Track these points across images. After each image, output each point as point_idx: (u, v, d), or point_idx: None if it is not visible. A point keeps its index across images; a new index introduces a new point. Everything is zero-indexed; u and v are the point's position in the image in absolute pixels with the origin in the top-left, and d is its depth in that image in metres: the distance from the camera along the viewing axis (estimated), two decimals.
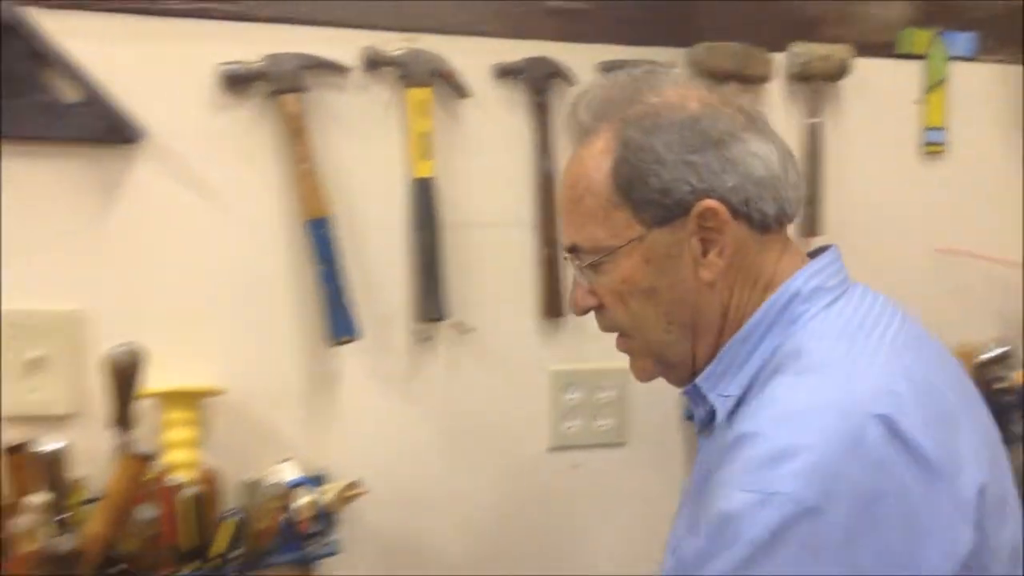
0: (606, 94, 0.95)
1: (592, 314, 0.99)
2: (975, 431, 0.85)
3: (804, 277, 0.91)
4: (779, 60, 1.47)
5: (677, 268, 0.91)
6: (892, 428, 0.78)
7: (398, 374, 1.36)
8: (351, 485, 1.27)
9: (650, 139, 0.90)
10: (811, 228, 1.48)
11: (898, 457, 0.77)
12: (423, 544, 1.39)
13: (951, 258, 1.57)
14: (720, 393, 0.91)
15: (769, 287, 0.92)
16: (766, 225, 0.91)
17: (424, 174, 1.33)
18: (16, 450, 1.10)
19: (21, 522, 1.06)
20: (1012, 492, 0.86)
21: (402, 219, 1.34)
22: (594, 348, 1.42)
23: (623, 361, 1.01)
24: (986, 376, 1.49)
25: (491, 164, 1.38)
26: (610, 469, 1.44)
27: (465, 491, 1.40)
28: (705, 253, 0.90)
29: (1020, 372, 1.52)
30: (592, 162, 0.93)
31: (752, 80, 1.45)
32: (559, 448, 1.43)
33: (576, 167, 0.95)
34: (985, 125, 1.58)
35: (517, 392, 1.41)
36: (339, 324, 1.29)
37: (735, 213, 0.89)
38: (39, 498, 1.09)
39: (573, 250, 0.96)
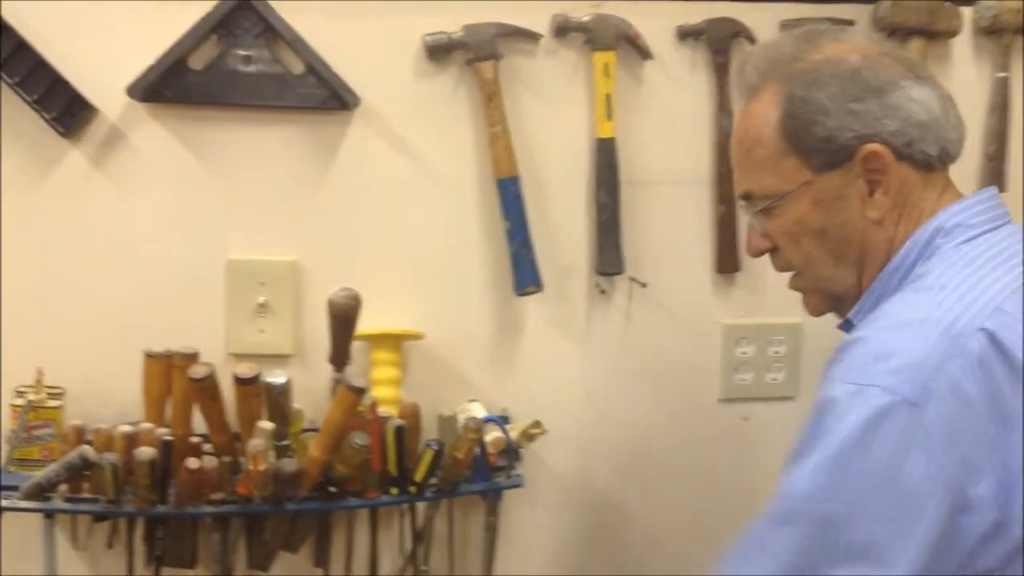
0: (770, 54, 1.03)
1: (767, 266, 1.07)
2: None
3: (948, 214, 0.97)
4: (967, 14, 1.45)
5: (845, 208, 0.98)
6: (994, 340, 0.84)
7: (577, 324, 1.44)
8: (535, 424, 1.37)
9: (813, 92, 0.97)
10: (995, 183, 1.46)
11: (996, 362, 0.83)
12: (595, 483, 1.47)
13: None
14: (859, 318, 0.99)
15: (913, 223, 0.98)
16: (929, 165, 0.97)
17: (607, 134, 1.40)
18: (248, 382, 1.24)
19: (254, 444, 1.21)
20: None
21: (585, 178, 1.42)
22: (766, 303, 1.46)
23: (795, 316, 1.07)
24: None
25: (671, 124, 1.43)
26: (780, 422, 1.47)
27: (637, 437, 1.47)
28: (871, 193, 0.97)
29: None
30: (760, 116, 1.00)
31: (939, 35, 1.43)
32: (730, 400, 1.48)
33: (745, 122, 1.03)
34: None
35: (690, 344, 1.46)
36: (524, 276, 1.38)
37: (898, 155, 0.96)
38: (268, 425, 1.24)
39: (747, 197, 1.04)
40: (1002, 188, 1.46)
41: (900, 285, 0.96)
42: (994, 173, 1.46)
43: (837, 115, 0.96)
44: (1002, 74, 1.45)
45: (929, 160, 0.97)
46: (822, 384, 0.90)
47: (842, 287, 1.02)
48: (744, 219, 1.06)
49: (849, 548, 0.83)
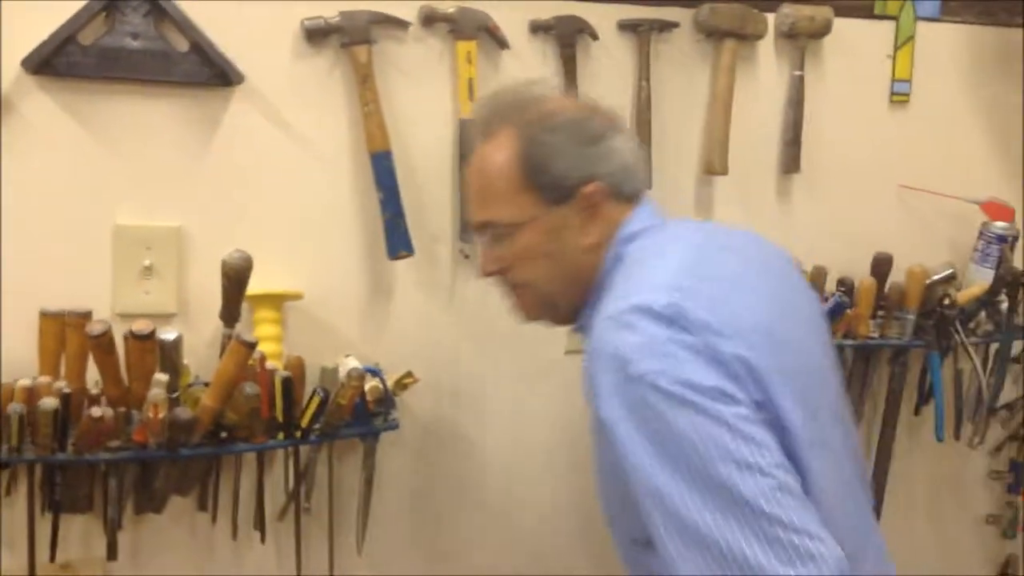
0: (502, 101, 1.21)
1: None
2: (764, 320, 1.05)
3: (626, 227, 1.16)
4: (771, 20, 1.70)
5: (568, 237, 1.16)
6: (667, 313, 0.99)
7: (442, 285, 1.60)
8: (407, 374, 1.53)
9: (548, 136, 1.15)
10: (790, 166, 1.73)
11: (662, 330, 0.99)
12: (458, 427, 1.64)
13: (912, 193, 1.82)
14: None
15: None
16: (629, 199, 1.18)
17: (470, 115, 1.56)
18: (144, 337, 1.33)
19: (153, 394, 1.31)
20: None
21: (450, 153, 1.57)
22: None
23: None
24: (936, 294, 1.76)
25: None
26: None
27: (495, 385, 1.65)
28: (588, 223, 1.15)
29: (963, 292, 1.79)
30: (500, 155, 1.16)
31: (748, 37, 1.68)
32: (574, 352, 1.67)
33: (483, 160, 1.19)
34: (946, 79, 1.82)
35: None
36: (396, 242, 1.53)
37: (610, 192, 1.16)
38: (163, 376, 1.34)
39: (485, 226, 1.20)
40: (796, 170, 1.74)
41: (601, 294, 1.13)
42: (791, 157, 1.73)
43: (568, 157, 1.14)
44: (798, 72, 1.72)
45: (629, 195, 1.17)
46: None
47: (564, 301, 1.19)
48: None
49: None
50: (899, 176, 1.82)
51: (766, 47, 1.72)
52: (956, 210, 1.84)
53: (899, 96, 1.81)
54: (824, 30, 1.71)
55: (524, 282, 1.20)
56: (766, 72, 1.73)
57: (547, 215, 1.16)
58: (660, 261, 1.09)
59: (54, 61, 1.35)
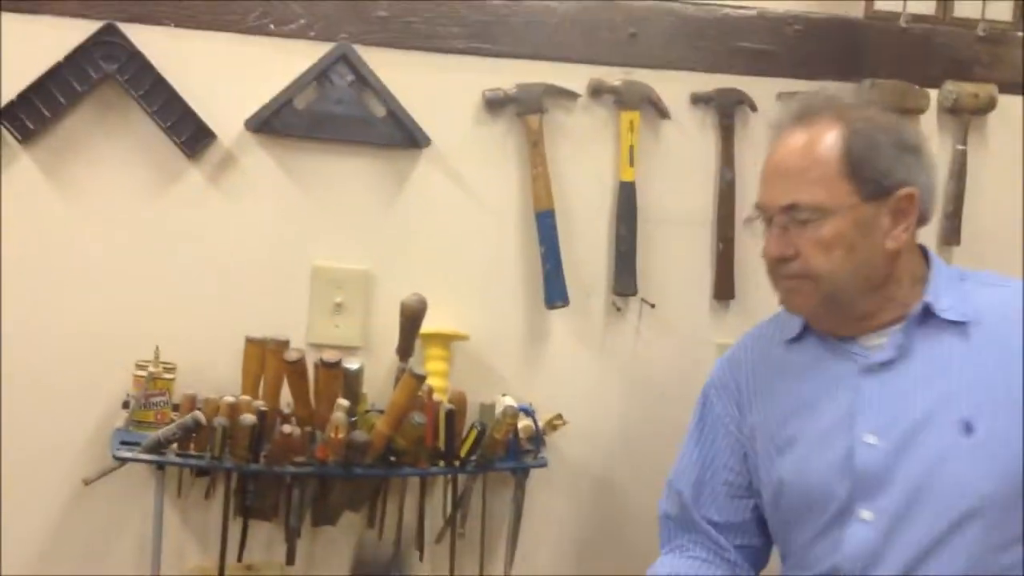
0: (822, 97, 1.27)
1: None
2: None
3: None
4: (934, 95, 1.73)
5: (872, 235, 1.20)
6: None
7: (595, 335, 1.71)
8: (558, 416, 1.64)
9: (874, 135, 1.20)
10: (950, 238, 1.75)
11: None
12: (603, 471, 1.74)
13: None
14: (945, 308, 1.22)
15: (921, 255, 1.27)
16: (924, 220, 1.24)
17: (629, 179, 1.68)
18: (331, 365, 1.51)
19: (336, 417, 1.48)
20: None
21: (609, 214, 1.69)
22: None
23: None
24: None
25: (683, 173, 1.72)
26: None
27: (640, 434, 1.73)
28: (894, 227, 1.21)
29: None
30: (824, 141, 1.20)
31: (910, 111, 1.72)
32: None
33: (804, 141, 1.22)
34: None
35: (688, 358, 1.72)
36: (553, 292, 1.65)
37: (920, 203, 1.22)
38: (345, 402, 1.51)
39: (792, 207, 1.21)
40: (957, 242, 1.75)
41: (964, 283, 1.25)
42: (951, 229, 1.75)
43: (890, 158, 1.19)
44: (961, 147, 1.74)
45: (925, 216, 1.24)
46: None
47: (847, 295, 1.22)
48: (769, 228, 1.27)
49: None
50: None
51: (929, 121, 1.75)
52: None
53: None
54: (988, 106, 1.73)
55: (814, 272, 1.21)
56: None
57: (859, 208, 1.19)
58: None
59: (272, 122, 1.57)
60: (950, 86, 1.72)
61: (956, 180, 1.74)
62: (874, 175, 1.19)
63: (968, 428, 1.18)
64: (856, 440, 1.22)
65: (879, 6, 1.70)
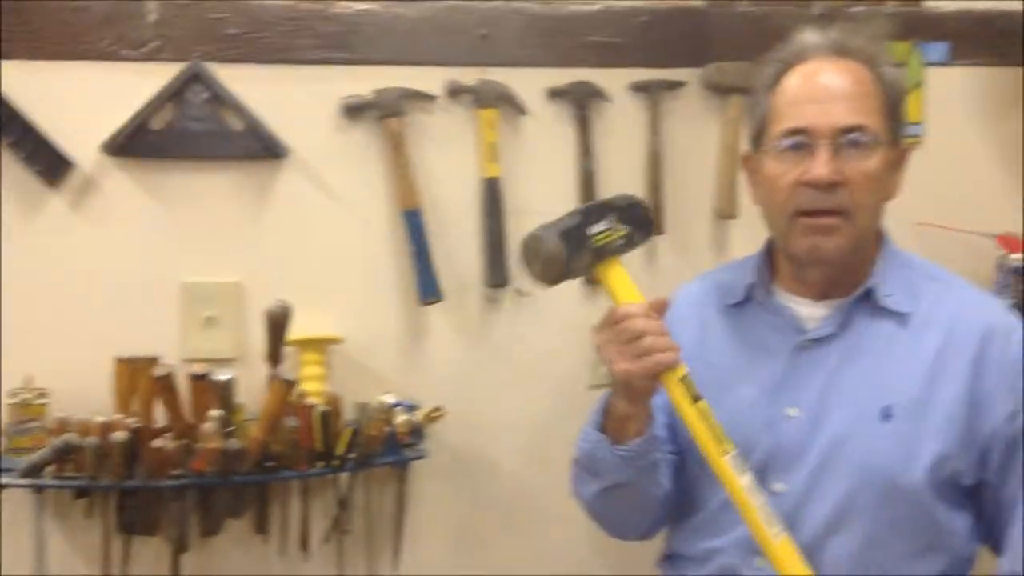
0: (855, 38, 1.24)
1: None
2: None
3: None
4: None
5: (890, 180, 1.22)
6: None
7: (472, 327, 1.75)
8: (435, 409, 1.68)
9: (901, 82, 1.23)
10: None
11: None
12: (488, 457, 1.77)
13: (930, 230, 1.87)
14: (888, 294, 1.23)
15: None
16: None
17: (492, 175, 1.72)
18: (200, 378, 1.54)
19: (207, 427, 1.51)
20: None
21: (475, 209, 1.74)
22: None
23: None
24: None
25: (545, 166, 1.76)
26: None
27: (522, 418, 1.77)
28: (896, 176, 1.24)
29: None
30: (866, 76, 1.19)
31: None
32: (597, 387, 1.77)
33: (853, 72, 1.20)
34: (957, 119, 1.87)
35: (565, 343, 1.76)
36: (426, 289, 1.70)
37: None
38: (217, 412, 1.54)
39: (857, 129, 1.17)
40: None
41: (912, 272, 1.26)
42: None
43: (905, 110, 1.28)
44: None
45: None
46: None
47: (866, 240, 1.21)
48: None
49: None
50: (916, 214, 1.86)
51: None
52: (975, 244, 1.87)
53: (912, 138, 1.87)
54: None
55: (856, 205, 1.18)
56: None
57: (890, 149, 1.20)
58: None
59: (130, 144, 1.59)
60: None
61: None
62: (900, 121, 1.22)
63: (886, 415, 1.18)
64: (778, 412, 1.23)
65: None
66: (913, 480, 1.17)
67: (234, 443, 1.53)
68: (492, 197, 1.73)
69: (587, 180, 1.77)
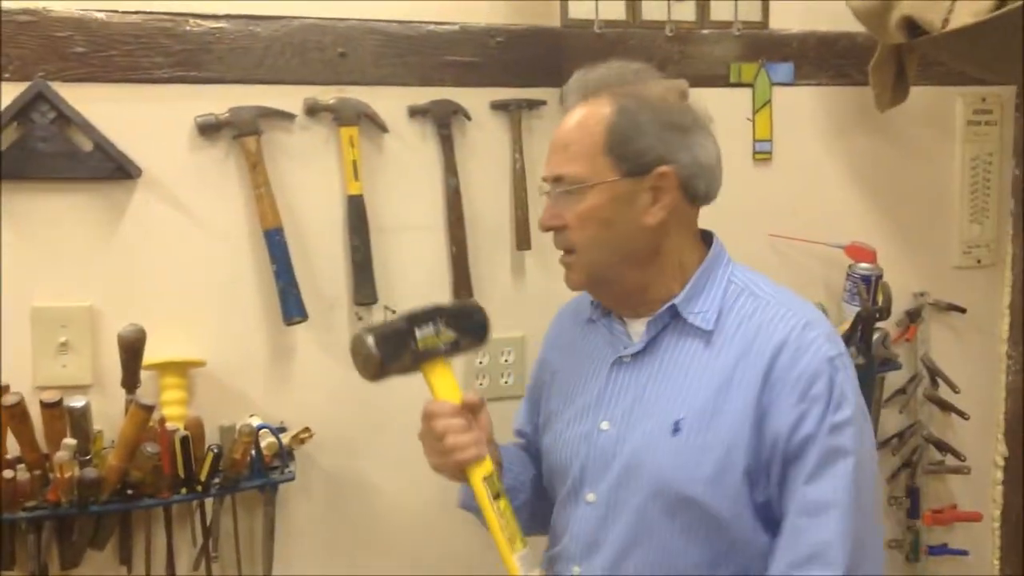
0: (609, 72, 1.29)
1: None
2: None
3: (716, 242, 1.34)
4: None
5: (631, 211, 1.24)
6: None
7: (340, 346, 1.73)
8: (304, 430, 1.68)
9: (639, 112, 1.24)
10: None
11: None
12: (358, 477, 1.78)
13: (783, 242, 1.97)
14: (695, 311, 1.27)
15: (699, 241, 1.32)
16: (695, 198, 1.29)
17: (355, 192, 1.73)
18: (52, 405, 1.50)
19: (59, 456, 1.46)
20: None
21: (340, 227, 1.74)
22: (496, 323, 1.81)
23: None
24: None
25: (409, 182, 1.78)
26: (511, 417, 1.82)
27: (394, 436, 1.77)
28: (653, 204, 1.25)
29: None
30: (593, 117, 1.24)
31: None
32: None
33: (578, 117, 1.27)
34: (804, 136, 1.99)
35: None
36: (290, 309, 1.68)
37: (681, 182, 1.26)
38: (71, 440, 1.50)
39: (557, 179, 1.27)
40: None
41: (712, 285, 1.28)
42: None
43: (650, 136, 1.23)
44: None
45: (697, 194, 1.28)
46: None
47: (608, 272, 1.27)
48: (543, 201, 1.33)
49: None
50: (768, 226, 1.97)
51: None
52: (826, 254, 1.99)
53: (761, 154, 1.97)
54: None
55: (576, 245, 1.26)
56: None
57: (618, 184, 1.23)
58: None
59: None
60: None
61: None
62: (633, 152, 1.23)
63: (676, 429, 1.23)
64: (595, 425, 1.31)
65: (573, 14, 1.82)
66: (697, 491, 1.21)
67: (90, 471, 1.48)
68: (357, 214, 1.73)
69: (453, 197, 1.79)
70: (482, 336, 1.31)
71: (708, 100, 1.84)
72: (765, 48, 1.95)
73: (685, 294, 1.28)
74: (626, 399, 1.29)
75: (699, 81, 1.89)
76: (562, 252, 1.31)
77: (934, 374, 2.10)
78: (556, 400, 1.37)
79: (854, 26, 1.90)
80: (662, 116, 1.25)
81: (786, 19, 1.96)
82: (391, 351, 1.22)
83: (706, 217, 1.90)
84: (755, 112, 1.96)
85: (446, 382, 1.27)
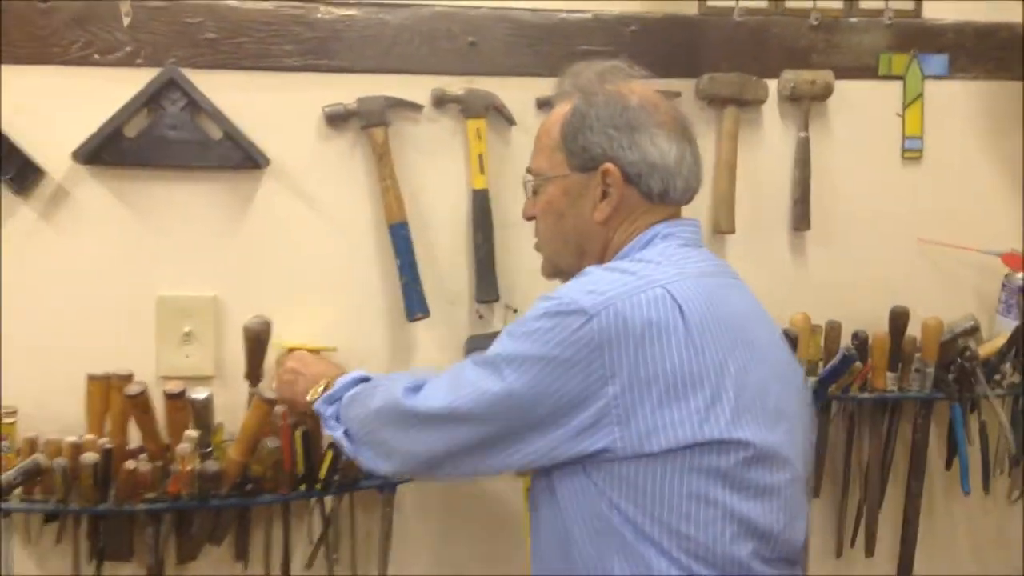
0: (580, 73, 1.32)
1: None
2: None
3: (664, 225, 1.25)
4: (772, 85, 1.76)
5: (581, 205, 1.26)
6: (670, 294, 1.12)
7: (460, 344, 1.69)
8: None
9: (589, 110, 1.25)
10: (800, 223, 1.78)
11: (668, 309, 1.11)
12: (472, 487, 1.71)
13: (933, 247, 1.83)
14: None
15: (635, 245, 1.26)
16: (651, 195, 1.25)
17: (480, 186, 1.67)
18: (175, 396, 1.48)
19: (181, 448, 1.44)
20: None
21: (464, 222, 1.68)
22: None
23: None
24: (956, 346, 1.76)
25: None
26: None
27: None
28: (601, 199, 1.25)
29: (986, 344, 1.78)
30: (556, 115, 1.29)
31: (749, 103, 1.75)
32: None
33: (550, 116, 1.32)
34: (957, 134, 1.85)
35: None
36: (413, 305, 1.63)
37: (627, 179, 1.24)
38: (193, 432, 1.48)
39: (529, 172, 1.33)
40: (806, 227, 1.78)
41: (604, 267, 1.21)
42: (800, 215, 1.78)
43: (597, 134, 1.24)
44: (803, 134, 1.77)
45: (651, 192, 1.24)
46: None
47: (564, 263, 1.31)
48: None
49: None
50: (917, 230, 1.84)
51: (770, 111, 1.78)
52: (980, 262, 1.84)
53: (911, 152, 1.84)
54: (826, 93, 1.76)
55: (539, 236, 1.34)
56: (771, 135, 1.78)
57: (569, 178, 1.27)
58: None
59: (102, 153, 1.53)
60: (788, 75, 1.76)
61: (801, 167, 1.77)
62: (579, 147, 1.25)
63: None
64: None
65: (712, 3, 1.73)
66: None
67: (212, 465, 1.46)
68: (481, 210, 1.67)
69: None
70: None
71: (855, 93, 1.80)
72: (917, 38, 1.81)
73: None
74: None
75: (846, 73, 1.78)
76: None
77: None
78: None
79: (1014, 15, 1.75)
80: (612, 113, 1.25)
81: (941, 8, 1.82)
82: None
83: (846, 218, 1.82)
84: (905, 107, 1.82)
85: None
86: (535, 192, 1.32)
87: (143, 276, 1.58)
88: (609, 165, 1.24)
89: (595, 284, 1.15)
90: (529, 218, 1.35)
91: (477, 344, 1.54)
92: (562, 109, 1.29)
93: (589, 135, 1.25)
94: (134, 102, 1.52)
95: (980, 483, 1.82)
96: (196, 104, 1.54)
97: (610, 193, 1.25)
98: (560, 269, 1.33)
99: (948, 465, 1.86)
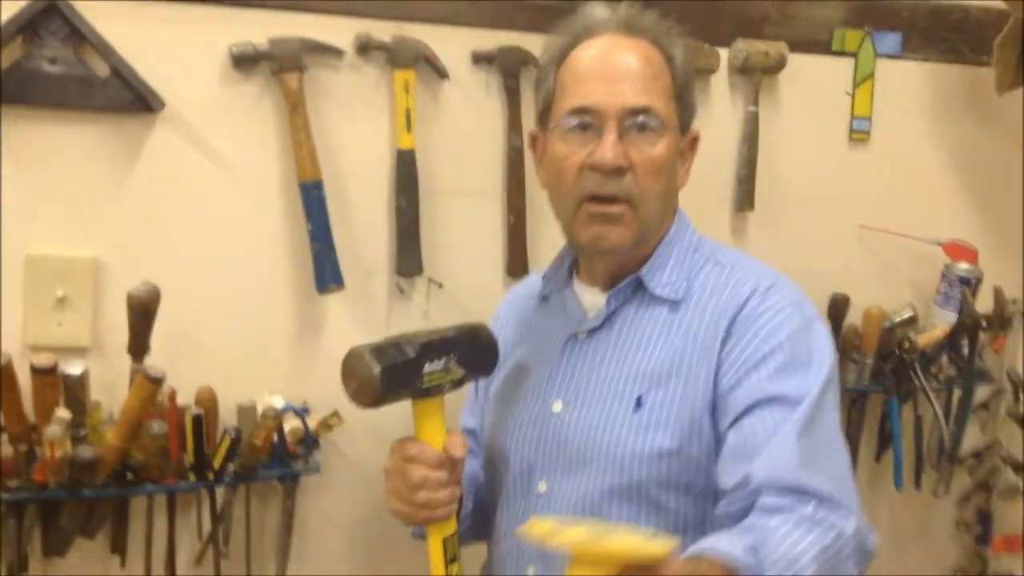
0: (648, 18, 1.17)
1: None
2: None
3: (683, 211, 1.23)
4: (724, 54, 1.66)
5: (677, 168, 1.17)
6: None
7: (377, 321, 1.55)
8: (333, 414, 1.47)
9: (690, 69, 1.19)
10: (743, 204, 1.68)
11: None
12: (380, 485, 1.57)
13: (872, 233, 1.76)
14: (662, 282, 1.16)
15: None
16: None
17: (406, 146, 1.51)
18: (45, 371, 1.29)
19: (50, 431, 1.25)
20: None
21: (386, 185, 1.52)
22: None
23: None
24: (895, 337, 1.70)
25: (467, 139, 1.56)
26: None
27: None
28: (682, 165, 1.19)
29: (924, 335, 1.72)
30: (658, 58, 1.14)
31: (700, 71, 1.63)
32: None
33: (642, 52, 1.14)
34: (907, 116, 1.77)
35: None
36: (325, 275, 1.48)
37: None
38: (64, 413, 1.29)
39: (645, 111, 1.11)
40: (750, 207, 1.68)
41: (696, 256, 1.18)
42: (744, 195, 1.68)
43: (693, 95, 1.18)
44: (752, 108, 1.67)
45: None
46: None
47: (654, 230, 1.16)
48: (609, 137, 1.12)
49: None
50: (859, 215, 1.77)
51: (720, 82, 1.67)
52: (919, 250, 1.78)
53: (858, 134, 1.75)
54: (779, 65, 1.66)
55: (642, 193, 1.12)
56: (720, 107, 1.68)
57: (677, 135, 1.15)
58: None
59: None
60: (740, 44, 1.65)
61: (748, 143, 1.67)
62: (690, 105, 1.17)
63: (639, 404, 1.12)
64: (547, 407, 1.18)
65: None
66: (663, 468, 1.11)
67: (85, 450, 1.28)
68: (406, 172, 1.52)
69: (515, 159, 1.57)
70: (487, 374, 1.19)
71: (807, 68, 1.70)
72: (873, 14, 1.73)
73: (650, 264, 1.18)
74: (580, 377, 1.18)
75: (799, 46, 1.69)
76: (603, 202, 1.13)
77: (1019, 390, 1.91)
78: (504, 384, 1.24)
79: None
80: (693, 80, 1.21)
81: None
82: (392, 384, 1.06)
83: (789, 202, 1.74)
84: (856, 86, 1.74)
85: (435, 423, 1.12)
86: (644, 137, 1.11)
87: (12, 230, 1.37)
88: (697, 132, 1.18)
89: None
90: (618, 166, 1.10)
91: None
92: (657, 54, 1.14)
93: (692, 94, 1.17)
94: (7, 29, 1.31)
95: (909, 478, 1.78)
96: (80, 34, 1.34)
97: (689, 160, 1.19)
98: (646, 236, 1.15)
99: (877, 458, 1.81)
